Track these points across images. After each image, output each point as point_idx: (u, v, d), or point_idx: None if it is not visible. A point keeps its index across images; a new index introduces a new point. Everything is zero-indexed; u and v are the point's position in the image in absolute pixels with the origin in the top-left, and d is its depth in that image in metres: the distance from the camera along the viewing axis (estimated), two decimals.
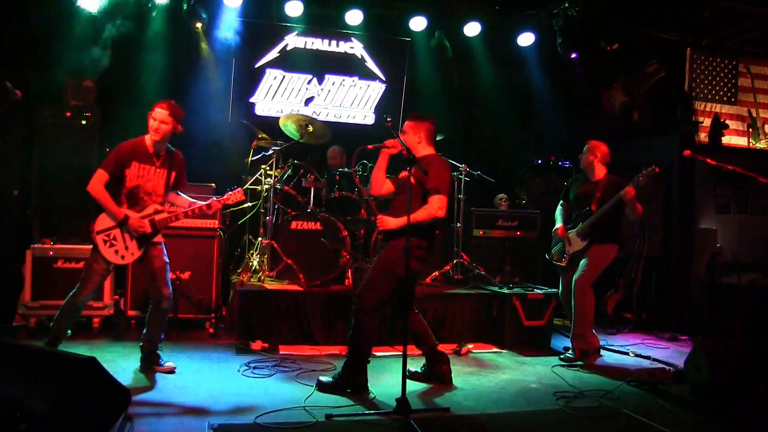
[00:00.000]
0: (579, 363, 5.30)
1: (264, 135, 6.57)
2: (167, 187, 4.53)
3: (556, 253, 5.68)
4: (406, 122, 4.57)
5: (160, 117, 4.35)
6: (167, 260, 4.54)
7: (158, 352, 4.59)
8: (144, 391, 4.02)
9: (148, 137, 4.42)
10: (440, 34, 7.80)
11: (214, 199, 4.57)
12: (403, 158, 4.12)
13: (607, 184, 5.38)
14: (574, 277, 5.39)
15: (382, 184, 4.54)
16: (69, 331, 4.67)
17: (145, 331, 4.56)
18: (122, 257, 4.37)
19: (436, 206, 4.19)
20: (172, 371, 4.49)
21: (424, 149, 4.46)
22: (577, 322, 5.38)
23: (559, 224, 5.69)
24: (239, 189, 4.64)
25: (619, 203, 5.18)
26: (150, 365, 4.52)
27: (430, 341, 4.62)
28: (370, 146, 4.48)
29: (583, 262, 5.40)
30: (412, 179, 4.16)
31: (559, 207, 5.84)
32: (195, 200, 4.65)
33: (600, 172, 5.48)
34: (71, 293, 4.38)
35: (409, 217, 3.90)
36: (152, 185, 4.44)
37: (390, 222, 4.27)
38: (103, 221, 4.36)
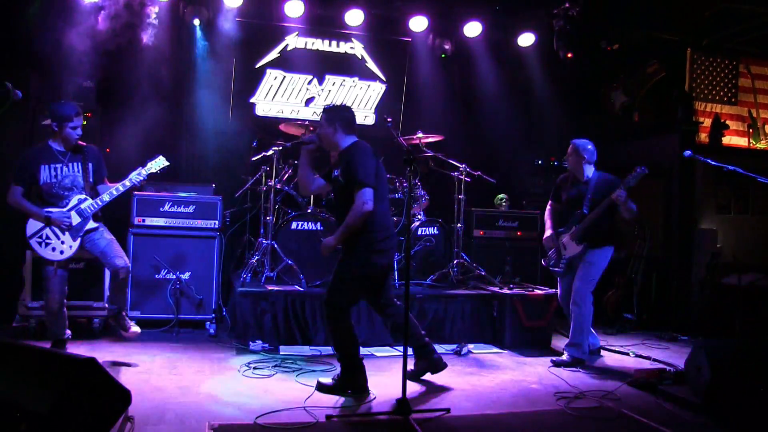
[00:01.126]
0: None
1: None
2: (86, 181, 4.65)
3: (552, 258, 5.56)
4: (321, 116, 4.38)
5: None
6: (111, 237, 4.72)
7: (125, 315, 4.82)
8: (144, 391, 4.02)
9: (52, 140, 4.61)
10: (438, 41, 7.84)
11: (136, 172, 4.72)
12: (404, 158, 4.09)
13: (597, 184, 5.28)
14: (574, 285, 5.31)
15: (310, 183, 4.46)
16: (69, 332, 4.75)
17: (108, 298, 4.86)
18: (61, 252, 4.56)
19: (360, 203, 3.99)
20: (136, 335, 4.81)
21: (343, 139, 4.28)
22: (575, 330, 5.30)
23: (548, 231, 5.59)
24: (160, 156, 4.83)
25: (611, 204, 5.12)
26: (118, 328, 4.83)
27: (416, 334, 4.49)
28: (288, 143, 4.45)
29: (581, 268, 5.31)
30: (340, 179, 4.17)
31: (547, 208, 5.73)
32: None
33: (588, 171, 5.37)
34: (45, 305, 4.63)
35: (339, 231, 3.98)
36: (70, 181, 4.60)
37: (330, 242, 4.21)
38: (31, 226, 4.57)
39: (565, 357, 5.31)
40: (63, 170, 4.59)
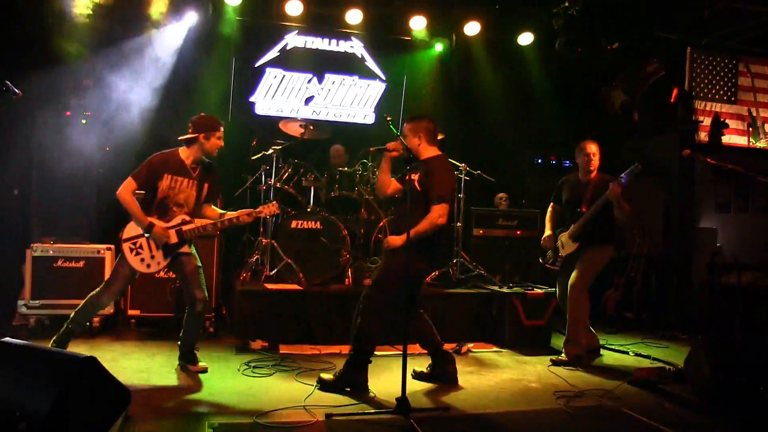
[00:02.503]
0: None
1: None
2: (198, 199, 4.52)
3: (549, 257, 5.62)
4: (404, 125, 4.56)
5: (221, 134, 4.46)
6: (199, 264, 4.55)
7: (195, 351, 4.65)
8: (144, 390, 4.03)
9: (184, 150, 4.45)
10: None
11: (246, 212, 4.51)
12: (403, 159, 4.15)
13: (597, 183, 5.32)
14: (570, 280, 5.33)
15: (387, 187, 4.57)
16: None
17: (182, 333, 4.62)
18: (147, 265, 4.40)
19: (436, 215, 4.19)
20: (204, 371, 4.55)
21: (426, 150, 4.45)
22: (571, 326, 5.31)
23: (547, 231, 5.66)
24: (274, 202, 4.62)
25: (607, 203, 5.13)
26: (185, 364, 4.60)
27: (436, 341, 4.61)
28: (372, 149, 4.53)
29: (578, 265, 5.32)
30: (416, 185, 4.25)
31: (549, 209, 5.79)
32: (225, 211, 4.64)
33: (595, 173, 5.43)
34: (94, 292, 4.42)
35: (409, 232, 3.96)
36: (184, 197, 4.45)
37: (396, 241, 4.26)
38: (130, 229, 4.40)
39: (563, 356, 5.32)
40: (182, 185, 4.44)
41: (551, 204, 5.77)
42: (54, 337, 4.37)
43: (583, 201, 5.33)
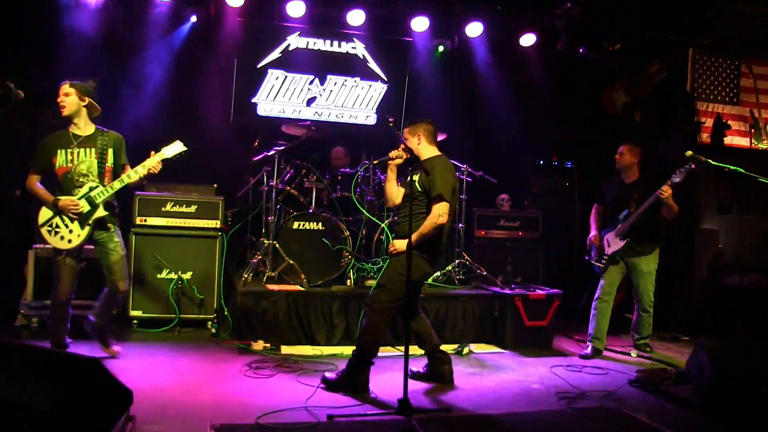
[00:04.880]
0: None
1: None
2: (102, 165, 4.52)
3: (594, 254, 5.76)
4: (404, 129, 4.60)
5: (62, 92, 4.50)
6: (124, 252, 4.63)
7: (108, 331, 4.79)
8: (146, 391, 4.02)
9: (73, 124, 4.54)
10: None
11: (151, 157, 4.53)
12: (406, 161, 4.18)
13: (644, 183, 5.53)
14: (640, 296, 5.59)
15: (396, 196, 4.63)
16: (69, 340, 4.73)
17: (97, 305, 4.69)
18: (69, 240, 4.45)
19: (437, 214, 4.21)
20: (115, 355, 4.72)
21: (426, 151, 4.47)
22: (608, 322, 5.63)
23: (593, 231, 5.82)
24: (177, 141, 4.59)
25: (657, 202, 5.30)
26: (100, 341, 4.74)
27: (433, 341, 4.63)
28: (375, 161, 4.57)
29: (639, 280, 5.57)
30: (417, 186, 4.29)
31: (593, 210, 5.96)
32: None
33: (636, 172, 5.68)
34: (52, 295, 4.55)
35: (410, 237, 3.94)
36: (85, 166, 4.48)
37: (401, 245, 4.25)
38: (42, 214, 4.47)
39: (588, 351, 5.58)
40: (80, 155, 4.47)
41: (595, 205, 5.98)
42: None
43: (631, 201, 5.52)
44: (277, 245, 5.91)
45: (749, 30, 7.58)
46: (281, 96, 7.70)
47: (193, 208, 5.95)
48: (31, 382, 2.86)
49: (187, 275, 5.84)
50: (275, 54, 7.62)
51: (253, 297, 5.54)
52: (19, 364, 3.01)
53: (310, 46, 7.73)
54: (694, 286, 7.17)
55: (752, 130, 8.01)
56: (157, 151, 4.54)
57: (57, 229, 4.43)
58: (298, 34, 7.66)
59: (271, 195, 6.20)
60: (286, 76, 7.67)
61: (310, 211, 6.15)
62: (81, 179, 4.47)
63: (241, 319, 5.52)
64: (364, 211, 6.12)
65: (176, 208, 5.91)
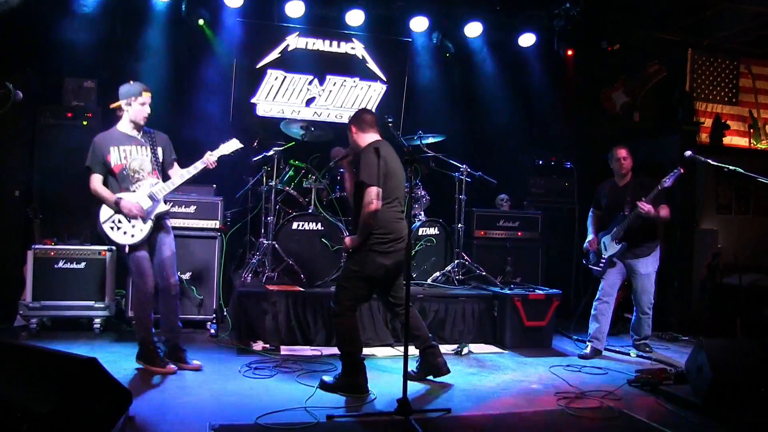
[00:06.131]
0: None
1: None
2: (155, 162, 4.61)
3: (593, 258, 5.78)
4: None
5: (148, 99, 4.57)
6: (174, 250, 4.69)
7: (182, 347, 4.70)
8: (145, 391, 4.02)
9: (120, 122, 4.60)
10: (439, 36, 7.82)
11: (208, 153, 4.64)
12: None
13: (635, 186, 5.56)
14: (640, 298, 5.60)
15: (350, 192, 4.58)
16: (162, 347, 4.71)
17: (162, 322, 4.66)
18: (132, 235, 4.48)
19: (366, 201, 4.09)
20: (198, 369, 4.60)
21: (362, 140, 4.38)
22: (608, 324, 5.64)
23: (591, 236, 5.84)
24: (233, 139, 4.71)
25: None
26: (176, 361, 4.61)
27: (423, 335, 4.57)
28: (331, 164, 4.74)
29: (638, 282, 5.59)
30: (357, 177, 4.24)
31: (590, 215, 5.98)
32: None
33: (629, 175, 5.69)
34: (134, 293, 4.68)
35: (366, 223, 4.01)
36: (138, 163, 4.55)
37: (347, 241, 4.31)
38: (104, 212, 4.49)
39: (587, 351, 5.58)
40: (132, 152, 4.55)
41: (591, 209, 6.00)
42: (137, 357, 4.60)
43: (625, 205, 5.53)
44: (277, 245, 5.91)
45: (748, 30, 7.59)
46: (280, 96, 7.70)
47: (192, 209, 5.95)
48: (30, 382, 2.86)
49: (187, 275, 5.83)
50: (274, 54, 7.62)
51: (252, 297, 5.54)
52: (18, 364, 3.01)
53: (309, 47, 7.73)
54: (694, 286, 7.18)
55: (751, 130, 8.03)
56: (213, 147, 4.68)
57: (119, 225, 4.47)
58: (297, 35, 7.66)
59: (271, 195, 6.19)
60: (285, 77, 7.67)
61: (310, 211, 6.15)
62: (137, 176, 4.55)
63: (240, 320, 5.51)
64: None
65: (175, 209, 5.90)
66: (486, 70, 8.17)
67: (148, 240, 4.53)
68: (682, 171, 5.24)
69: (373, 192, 4.08)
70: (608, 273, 5.63)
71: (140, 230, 4.49)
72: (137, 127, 4.59)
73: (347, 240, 4.33)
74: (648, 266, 5.58)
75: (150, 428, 3.43)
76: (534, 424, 3.91)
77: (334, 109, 7.88)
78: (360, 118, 4.42)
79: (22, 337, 5.28)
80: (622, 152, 5.69)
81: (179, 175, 4.63)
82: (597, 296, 5.68)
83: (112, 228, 4.46)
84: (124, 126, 4.59)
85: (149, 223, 4.50)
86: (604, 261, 5.64)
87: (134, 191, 4.51)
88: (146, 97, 4.54)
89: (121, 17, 6.97)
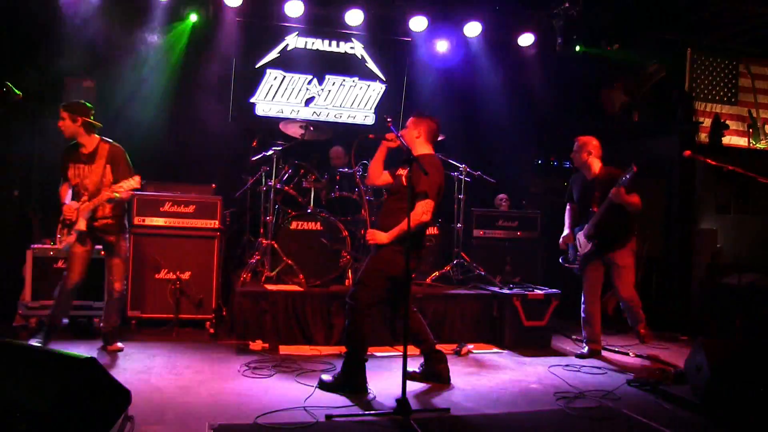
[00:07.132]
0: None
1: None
2: (101, 181, 4.78)
3: (570, 256, 5.72)
4: (410, 118, 4.57)
5: (60, 122, 4.80)
6: (125, 255, 5.08)
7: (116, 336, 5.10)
8: (144, 391, 4.02)
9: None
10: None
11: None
12: (404, 155, 4.14)
13: (604, 180, 5.33)
14: (620, 292, 5.44)
15: (379, 175, 4.56)
16: (66, 320, 5.09)
17: (102, 314, 5.11)
18: (60, 241, 4.84)
19: (420, 211, 4.16)
20: (120, 350, 5.00)
21: (421, 147, 4.43)
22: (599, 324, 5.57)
23: (566, 231, 5.74)
24: (137, 176, 4.76)
25: (614, 203, 5.17)
26: (106, 344, 5.04)
27: (428, 340, 4.62)
28: (371, 135, 4.54)
29: (616, 274, 5.42)
30: (403, 180, 4.22)
31: (566, 209, 5.87)
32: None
33: (596, 167, 5.45)
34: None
35: (409, 224, 3.89)
36: (89, 181, 4.79)
37: (379, 236, 4.28)
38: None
39: (585, 351, 5.55)
40: (86, 171, 4.79)
41: (567, 205, 5.87)
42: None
43: (592, 200, 5.39)
44: (276, 245, 5.91)
45: (747, 30, 7.60)
46: (280, 96, 7.70)
47: (191, 208, 5.95)
48: (29, 382, 2.86)
49: (186, 275, 5.83)
50: (273, 54, 7.63)
51: (251, 297, 5.54)
52: (17, 364, 3.01)
53: (309, 46, 7.73)
54: (693, 285, 7.18)
55: (750, 130, 8.03)
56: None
57: (62, 231, 4.85)
58: (297, 34, 7.66)
59: (270, 195, 6.19)
60: (284, 76, 7.67)
61: (309, 211, 6.15)
62: (84, 192, 4.79)
63: (239, 320, 5.51)
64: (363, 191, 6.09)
65: (174, 208, 5.91)
66: (485, 70, 8.17)
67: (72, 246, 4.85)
68: (635, 169, 4.95)
69: (429, 204, 4.19)
70: (586, 273, 5.55)
71: (66, 242, 4.84)
72: (83, 143, 4.86)
73: (377, 235, 4.28)
74: (624, 258, 5.40)
75: (149, 428, 3.43)
76: (533, 424, 3.91)
77: (334, 108, 7.89)
78: (431, 127, 4.48)
79: (21, 337, 5.28)
80: (577, 143, 5.50)
81: (92, 200, 4.80)
82: (581, 300, 5.64)
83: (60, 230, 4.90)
84: (78, 143, 4.88)
85: (73, 236, 4.80)
86: (580, 258, 5.57)
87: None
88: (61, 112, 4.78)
89: (121, 17, 6.97)
